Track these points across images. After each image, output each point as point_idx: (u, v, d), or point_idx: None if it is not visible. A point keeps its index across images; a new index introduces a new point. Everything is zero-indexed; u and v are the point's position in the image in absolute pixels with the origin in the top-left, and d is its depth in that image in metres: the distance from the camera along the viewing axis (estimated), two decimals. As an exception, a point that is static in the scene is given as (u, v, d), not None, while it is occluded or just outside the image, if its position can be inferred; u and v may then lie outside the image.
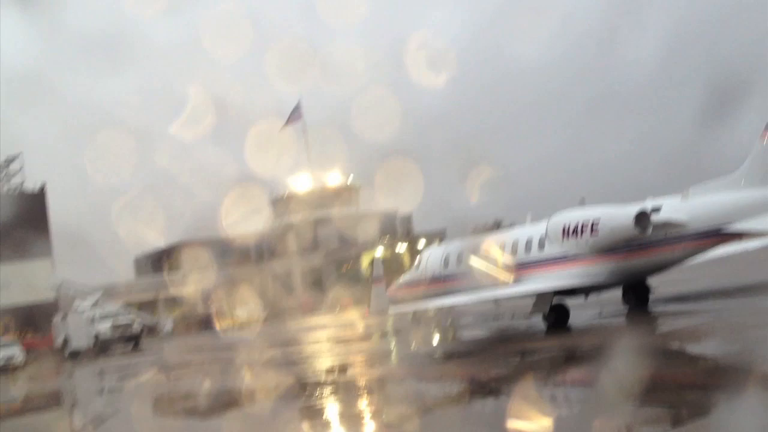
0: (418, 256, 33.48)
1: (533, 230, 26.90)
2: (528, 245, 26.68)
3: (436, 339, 29.59)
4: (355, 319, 51.53)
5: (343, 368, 23.10)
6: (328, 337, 37.63)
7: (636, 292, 25.94)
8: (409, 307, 26.32)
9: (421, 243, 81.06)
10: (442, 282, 30.28)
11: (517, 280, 26.06)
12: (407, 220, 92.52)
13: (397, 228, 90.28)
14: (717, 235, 21.97)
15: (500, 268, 27.15)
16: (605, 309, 27.05)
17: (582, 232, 23.52)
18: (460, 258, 29.85)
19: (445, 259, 30.63)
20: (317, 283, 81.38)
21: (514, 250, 27.15)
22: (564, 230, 24.11)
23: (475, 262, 28.82)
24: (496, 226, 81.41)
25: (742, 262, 32.71)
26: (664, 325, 23.25)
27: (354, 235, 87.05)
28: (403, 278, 33.92)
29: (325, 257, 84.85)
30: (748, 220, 21.15)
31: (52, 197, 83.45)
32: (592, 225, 23.25)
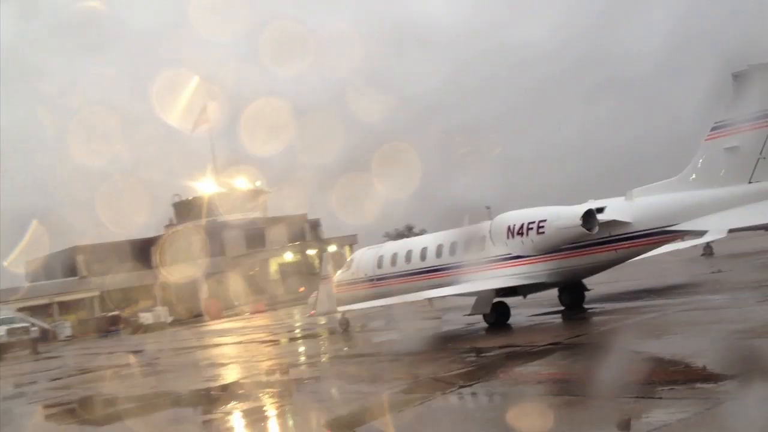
0: (349, 258, 32.84)
1: (472, 230, 26.74)
2: (468, 245, 26.53)
3: (376, 340, 28.93)
4: (272, 322, 50.29)
5: (285, 371, 22.23)
6: (265, 339, 36.40)
7: (573, 291, 26.18)
8: (359, 307, 25.64)
9: (332, 248, 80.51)
10: (377, 282, 29.82)
11: (458, 280, 25.82)
12: (316, 225, 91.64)
13: (307, 233, 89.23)
14: (661, 235, 22.37)
15: (440, 268, 26.91)
16: (541, 308, 27.21)
17: (528, 231, 23.50)
18: (396, 259, 29.44)
19: (379, 260, 30.14)
20: (225, 287, 79.38)
21: (453, 251, 26.97)
22: (509, 230, 24.05)
23: (414, 262, 28.47)
24: (408, 231, 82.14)
25: (663, 262, 33.86)
26: (607, 322, 23.41)
27: (262, 239, 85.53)
28: (336, 278, 33.21)
29: (232, 261, 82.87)
30: (691, 221, 21.58)
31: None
32: (539, 225, 23.27)
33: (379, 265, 30.11)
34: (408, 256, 29.00)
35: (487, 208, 41.99)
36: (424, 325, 29.22)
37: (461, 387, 15.09)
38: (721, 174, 21.01)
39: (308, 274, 75.01)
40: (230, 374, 23.62)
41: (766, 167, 20.14)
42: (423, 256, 28.38)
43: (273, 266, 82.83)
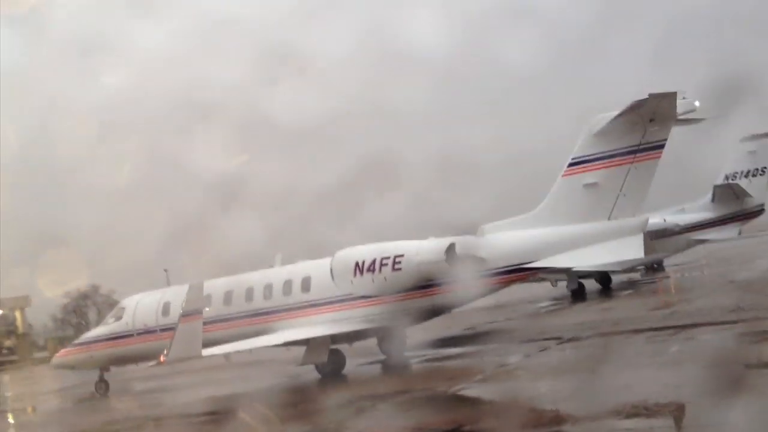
0: (116, 307, 27.53)
1: (297, 270, 23.98)
2: (289, 287, 23.68)
3: (187, 397, 23.95)
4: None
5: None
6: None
7: (394, 338, 24.48)
8: (225, 350, 20.92)
9: None
10: (162, 335, 25.25)
11: (282, 327, 22.71)
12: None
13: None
14: (517, 272, 21.83)
15: (257, 313, 23.60)
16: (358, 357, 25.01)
17: (381, 268, 21.39)
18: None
19: (165, 308, 25.64)
20: None
21: (269, 293, 23.91)
22: (357, 267, 21.69)
23: (217, 307, 24.59)
24: (95, 291, 74.12)
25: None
26: (444, 369, 22.08)
27: None
28: (94, 332, 27.68)
29: None
30: (550, 258, 21.33)
31: None
32: (395, 260, 21.33)
33: (165, 313, 25.58)
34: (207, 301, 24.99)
35: (165, 271, 38.85)
36: (222, 382, 25.19)
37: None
38: (579, 210, 21.03)
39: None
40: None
41: (625, 204, 20.57)
42: (228, 301, 24.72)
43: None
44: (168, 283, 31.00)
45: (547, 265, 21.78)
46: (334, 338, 22.15)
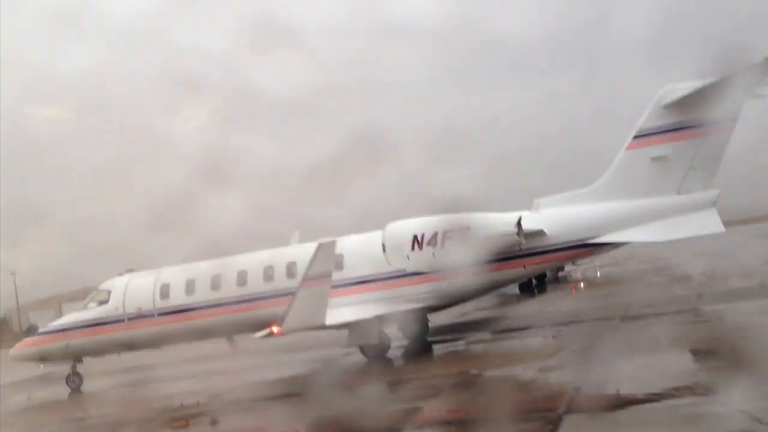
0: (97, 290, 24.03)
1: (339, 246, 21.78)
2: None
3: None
4: None
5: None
6: None
7: (421, 321, 22.87)
8: (349, 316, 18.26)
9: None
10: (161, 319, 22.46)
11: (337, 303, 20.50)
12: None
13: None
14: (581, 248, 20.82)
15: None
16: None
17: (444, 241, 19.68)
18: (195, 285, 22.53)
19: (164, 289, 22.71)
20: None
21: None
22: (416, 240, 19.87)
23: (227, 287, 22.02)
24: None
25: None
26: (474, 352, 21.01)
27: None
28: (68, 319, 24.13)
29: None
30: (615, 233, 20.43)
31: None
32: (462, 233, 19.69)
33: (164, 296, 22.61)
34: (216, 282, 22.32)
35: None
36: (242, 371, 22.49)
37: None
38: (646, 184, 20.24)
39: None
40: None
41: (696, 178, 19.95)
42: (242, 281, 22.14)
43: None
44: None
45: (618, 240, 20.73)
46: (384, 318, 20.30)
